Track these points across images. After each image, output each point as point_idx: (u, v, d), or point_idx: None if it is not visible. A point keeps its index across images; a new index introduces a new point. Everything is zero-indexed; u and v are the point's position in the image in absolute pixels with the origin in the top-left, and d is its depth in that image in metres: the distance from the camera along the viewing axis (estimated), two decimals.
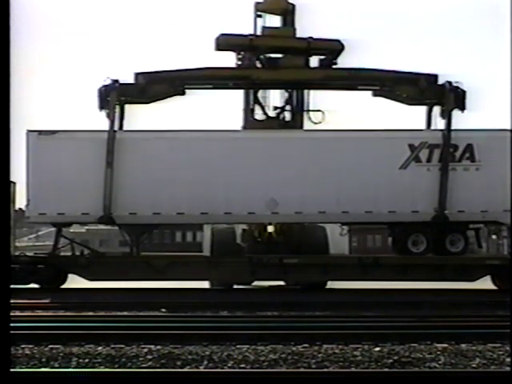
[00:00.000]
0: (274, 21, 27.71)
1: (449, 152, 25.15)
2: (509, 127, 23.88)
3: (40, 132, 24.71)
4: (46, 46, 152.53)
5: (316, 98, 27.40)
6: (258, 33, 27.28)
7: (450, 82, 25.94)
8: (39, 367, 10.48)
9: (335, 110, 29.26)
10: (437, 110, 26.44)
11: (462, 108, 25.81)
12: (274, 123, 27.21)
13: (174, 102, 26.80)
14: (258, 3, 27.43)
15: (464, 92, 25.85)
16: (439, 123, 26.12)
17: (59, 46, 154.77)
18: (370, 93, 27.37)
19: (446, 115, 25.68)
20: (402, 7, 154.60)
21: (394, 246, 26.68)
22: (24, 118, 17.98)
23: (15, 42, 6.52)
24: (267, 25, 27.46)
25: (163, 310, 18.32)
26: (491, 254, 39.01)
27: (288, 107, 27.59)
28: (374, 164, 25.05)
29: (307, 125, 27.08)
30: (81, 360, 10.93)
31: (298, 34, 27.30)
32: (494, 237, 47.03)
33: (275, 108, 27.54)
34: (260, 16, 27.48)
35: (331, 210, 24.95)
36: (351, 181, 24.95)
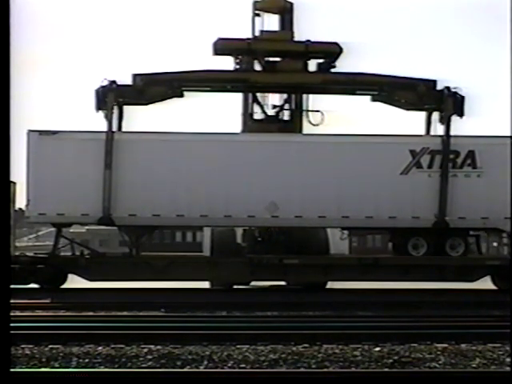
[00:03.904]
0: (273, 20, 27.70)
1: (448, 158, 25.14)
2: (510, 134, 23.86)
3: (41, 132, 24.70)
4: (46, 46, 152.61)
5: (315, 99, 27.40)
6: (257, 32, 27.25)
7: (448, 88, 25.93)
8: (39, 367, 10.48)
9: (334, 110, 29.25)
10: (435, 115, 26.44)
11: (461, 114, 25.79)
12: (274, 123, 27.19)
13: (174, 104, 26.83)
14: (256, 2, 27.39)
15: (463, 98, 25.82)
16: (438, 129, 26.17)
17: (59, 46, 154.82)
18: (368, 97, 27.36)
19: (445, 121, 25.65)
20: (401, 11, 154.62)
21: (394, 250, 26.69)
22: (24, 118, 17.96)
23: (15, 42, 6.52)
24: (265, 23, 27.45)
25: (163, 310, 18.32)
26: (491, 255, 38.96)
27: (287, 106, 27.59)
28: (375, 169, 25.03)
29: (306, 126, 27.08)
30: (81, 360, 10.94)
31: (296, 33, 27.27)
32: (495, 244, 47.02)
33: (274, 107, 27.52)
34: (258, 15, 27.45)
35: (331, 214, 24.93)
36: (352, 185, 24.92)
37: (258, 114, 27.38)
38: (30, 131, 24.67)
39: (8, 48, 6.45)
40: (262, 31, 27.19)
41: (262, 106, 27.37)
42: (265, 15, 27.57)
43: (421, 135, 26.42)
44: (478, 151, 25.17)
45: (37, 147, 24.55)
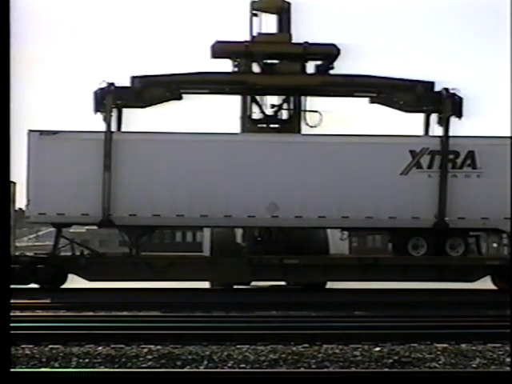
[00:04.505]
0: (270, 20, 27.68)
1: (447, 159, 25.15)
2: (509, 134, 23.85)
3: (41, 132, 24.71)
4: (46, 46, 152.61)
5: (313, 99, 27.37)
6: (255, 32, 27.22)
7: (446, 89, 25.94)
8: (39, 367, 10.49)
9: (332, 111, 29.25)
10: (434, 116, 26.46)
11: (459, 115, 25.80)
12: (272, 123, 27.22)
13: (172, 106, 26.81)
14: (253, 2, 27.34)
15: (461, 99, 25.84)
16: (437, 131, 26.20)
17: (59, 46, 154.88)
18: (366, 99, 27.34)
19: (444, 122, 25.65)
20: (399, 13, 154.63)
21: (394, 250, 26.71)
22: (24, 118, 17.96)
23: (15, 42, 6.52)
24: (263, 23, 27.45)
25: (163, 310, 18.33)
26: (491, 255, 38.98)
27: (285, 105, 27.59)
28: (375, 169, 25.03)
29: (304, 127, 27.06)
30: (81, 360, 10.94)
31: (294, 33, 27.27)
32: (494, 244, 47.05)
33: (273, 106, 27.51)
34: (256, 15, 27.44)
35: (331, 214, 24.93)
36: (352, 186, 24.93)
37: (256, 114, 27.38)
38: (31, 131, 24.67)
39: (8, 48, 6.45)
40: (259, 33, 27.17)
41: (260, 106, 27.36)
42: (262, 15, 27.57)
43: (421, 135, 26.42)
44: (477, 151, 25.18)
45: (37, 147, 24.55)
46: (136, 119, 26.56)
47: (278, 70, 26.74)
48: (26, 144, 24.55)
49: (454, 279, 24.78)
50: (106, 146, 24.65)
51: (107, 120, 25.10)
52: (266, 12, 27.59)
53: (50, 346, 11.90)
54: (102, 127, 25.17)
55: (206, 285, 25.59)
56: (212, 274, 24.98)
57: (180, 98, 26.57)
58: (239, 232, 26.99)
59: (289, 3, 27.47)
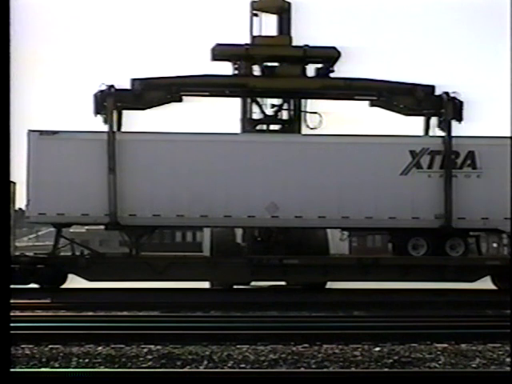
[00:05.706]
0: (271, 20, 27.68)
1: (450, 160, 25.14)
2: (509, 135, 23.84)
3: (41, 132, 24.71)
4: (46, 46, 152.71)
5: (313, 100, 27.34)
6: (255, 32, 27.21)
7: (447, 93, 25.97)
8: (39, 367, 10.49)
9: (333, 111, 29.28)
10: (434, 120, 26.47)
11: (460, 119, 25.83)
12: (272, 123, 27.25)
13: (172, 108, 26.83)
14: (253, 2, 27.33)
15: (461, 103, 25.87)
16: (437, 133, 26.17)
17: (59, 46, 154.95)
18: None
19: (445, 125, 25.65)
20: (399, 16, 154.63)
21: (394, 250, 26.72)
22: (24, 118, 17.96)
23: (15, 42, 6.52)
24: (263, 24, 27.45)
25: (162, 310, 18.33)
26: (491, 255, 39.00)
27: (286, 106, 27.60)
28: (375, 169, 25.04)
29: (304, 128, 27.06)
30: (81, 360, 10.94)
31: (294, 33, 27.27)
32: (494, 245, 47.12)
33: (273, 106, 27.52)
34: (256, 15, 27.44)
35: (331, 214, 24.94)
36: (352, 186, 24.94)
37: (256, 114, 27.38)
38: (30, 131, 24.67)
39: (8, 48, 6.45)
40: (259, 36, 27.16)
41: (260, 106, 27.37)
42: (263, 15, 27.57)
43: (421, 136, 26.43)
44: (477, 152, 25.19)
45: (37, 147, 24.55)
46: (136, 121, 26.60)
47: (279, 72, 26.73)
48: (26, 144, 24.57)
49: (454, 279, 24.78)
50: (109, 148, 24.61)
51: (109, 122, 25.11)
52: (266, 12, 27.58)
53: (50, 346, 11.90)
54: (101, 127, 25.20)
55: (206, 285, 25.60)
56: (212, 274, 24.98)
57: (180, 101, 26.59)
58: (239, 232, 26.99)
59: (289, 3, 27.46)
